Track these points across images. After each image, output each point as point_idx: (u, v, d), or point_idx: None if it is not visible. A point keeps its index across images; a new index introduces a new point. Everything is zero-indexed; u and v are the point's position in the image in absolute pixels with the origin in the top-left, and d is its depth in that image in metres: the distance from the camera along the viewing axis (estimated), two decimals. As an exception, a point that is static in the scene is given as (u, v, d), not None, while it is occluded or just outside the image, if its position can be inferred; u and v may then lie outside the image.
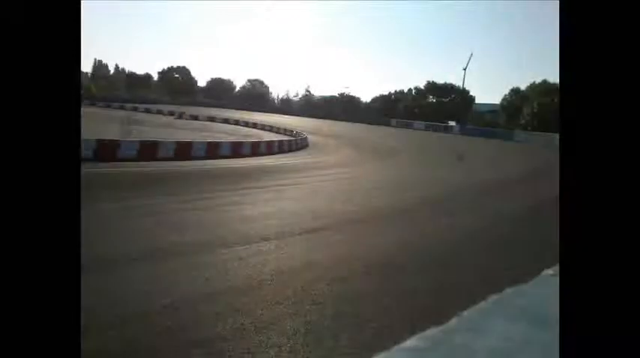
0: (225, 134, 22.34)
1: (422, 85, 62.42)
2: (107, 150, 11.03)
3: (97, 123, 20.50)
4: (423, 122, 48.32)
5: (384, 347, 0.48)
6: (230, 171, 11.42)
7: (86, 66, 77.37)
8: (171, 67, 79.00)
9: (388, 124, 48.64)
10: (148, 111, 40.91)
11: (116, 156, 11.08)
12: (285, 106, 73.08)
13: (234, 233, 5.51)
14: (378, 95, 68.81)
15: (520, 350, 0.48)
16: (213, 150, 13.91)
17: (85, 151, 10.30)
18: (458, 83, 58.36)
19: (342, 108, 64.55)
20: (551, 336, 0.52)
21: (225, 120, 35.02)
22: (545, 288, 0.65)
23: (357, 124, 45.22)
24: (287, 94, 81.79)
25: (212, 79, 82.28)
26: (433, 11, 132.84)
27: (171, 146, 12.87)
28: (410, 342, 0.48)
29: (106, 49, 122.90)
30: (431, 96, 60.98)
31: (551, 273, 0.70)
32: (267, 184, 9.69)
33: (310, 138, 22.77)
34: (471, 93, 58.57)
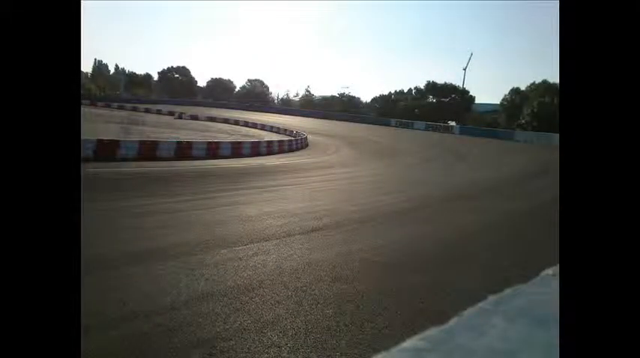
0: (225, 134, 22.34)
1: (422, 85, 62.56)
2: (107, 150, 11.03)
3: (96, 124, 20.52)
4: (423, 122, 48.31)
5: (384, 347, 0.48)
6: (230, 171, 11.42)
7: (86, 66, 77.42)
8: (171, 67, 79.16)
9: (388, 124, 48.62)
10: (147, 111, 40.89)
11: (116, 156, 11.09)
12: (285, 106, 73.15)
13: (235, 233, 5.51)
14: (378, 95, 69.06)
15: (520, 350, 0.48)
16: (213, 150, 13.90)
17: (85, 151, 10.31)
18: (458, 83, 58.46)
19: (342, 108, 64.57)
20: (551, 336, 0.52)
21: (226, 120, 35.00)
22: (544, 288, 0.65)
23: (357, 124, 45.21)
24: (287, 94, 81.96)
25: (212, 79, 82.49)
26: (433, 11, 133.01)
27: (171, 146, 12.87)
28: (410, 342, 0.48)
29: (106, 49, 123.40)
30: (431, 97, 61.06)
31: (551, 273, 0.70)
32: (268, 184, 9.69)
33: (310, 138, 22.76)
34: (471, 93, 58.65)
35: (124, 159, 11.08)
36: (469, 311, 0.55)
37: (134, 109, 42.20)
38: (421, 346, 0.47)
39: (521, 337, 0.50)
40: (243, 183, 9.47)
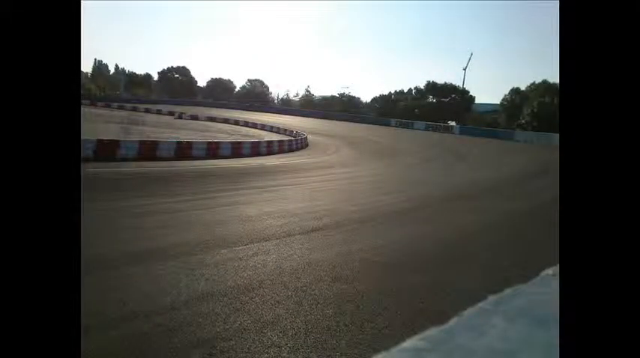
0: (225, 134, 22.34)
1: (422, 85, 62.59)
2: (107, 150, 11.03)
3: (96, 124, 20.52)
4: (423, 122, 48.29)
5: (384, 347, 0.48)
6: (230, 171, 11.41)
7: (86, 66, 77.43)
8: (171, 67, 79.18)
9: (388, 124, 48.61)
10: (147, 111, 40.88)
11: (116, 156, 11.09)
12: (285, 106, 73.15)
13: (235, 233, 5.51)
14: (378, 95, 69.10)
15: (520, 349, 0.48)
16: (213, 150, 13.90)
17: (85, 151, 10.31)
18: (458, 83, 58.48)
19: (342, 108, 64.58)
20: (551, 336, 0.52)
21: (225, 120, 35.00)
22: (544, 288, 0.65)
23: (357, 124, 45.21)
24: (287, 94, 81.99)
25: (212, 79, 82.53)
26: (433, 11, 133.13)
27: (171, 146, 12.87)
28: (410, 342, 0.48)
29: (106, 49, 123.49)
30: (431, 97, 61.08)
31: (551, 273, 0.70)
32: (268, 184, 9.69)
33: (310, 138, 22.76)
34: (471, 94, 58.67)
35: (124, 159, 11.08)
36: (469, 311, 0.55)
37: (134, 109, 42.19)
38: (421, 346, 0.47)
39: (521, 337, 0.50)
40: (243, 183, 9.47)
